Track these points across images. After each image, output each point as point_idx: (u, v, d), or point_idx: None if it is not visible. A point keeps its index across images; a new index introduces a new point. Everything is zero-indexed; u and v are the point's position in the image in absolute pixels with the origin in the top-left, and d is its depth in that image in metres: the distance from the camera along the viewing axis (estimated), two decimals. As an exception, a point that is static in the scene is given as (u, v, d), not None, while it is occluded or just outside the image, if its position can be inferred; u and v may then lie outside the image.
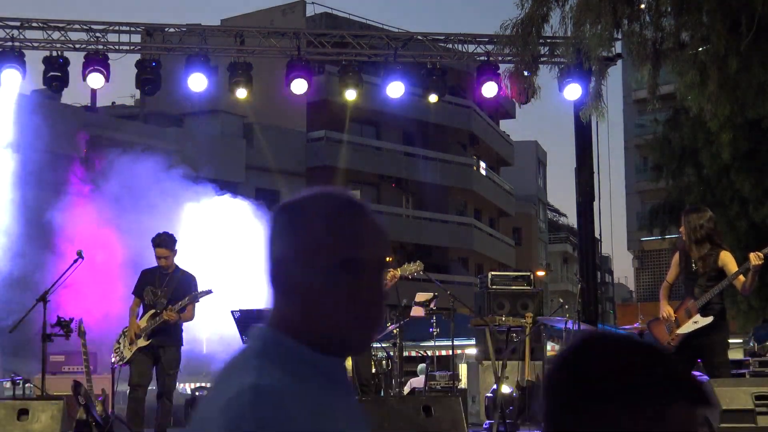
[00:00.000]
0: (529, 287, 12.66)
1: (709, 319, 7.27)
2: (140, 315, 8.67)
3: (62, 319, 8.93)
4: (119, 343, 8.67)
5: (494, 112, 41.28)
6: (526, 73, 12.32)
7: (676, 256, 7.63)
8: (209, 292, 8.62)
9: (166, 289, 8.54)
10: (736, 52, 10.21)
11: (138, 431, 8.45)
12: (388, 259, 1.69)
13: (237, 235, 13.40)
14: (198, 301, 8.58)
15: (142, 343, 8.48)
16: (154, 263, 8.78)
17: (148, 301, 8.61)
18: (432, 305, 10.96)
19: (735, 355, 14.93)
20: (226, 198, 13.95)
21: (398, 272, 7.66)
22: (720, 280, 7.30)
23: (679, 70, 10.80)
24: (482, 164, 40.57)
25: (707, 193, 17.07)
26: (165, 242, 8.58)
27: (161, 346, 8.45)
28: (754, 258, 7.01)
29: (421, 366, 13.02)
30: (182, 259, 8.92)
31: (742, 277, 7.23)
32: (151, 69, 12.96)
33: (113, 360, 8.72)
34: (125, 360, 8.52)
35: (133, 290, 8.83)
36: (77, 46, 13.00)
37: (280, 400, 1.48)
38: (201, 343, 12.93)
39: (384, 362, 11.45)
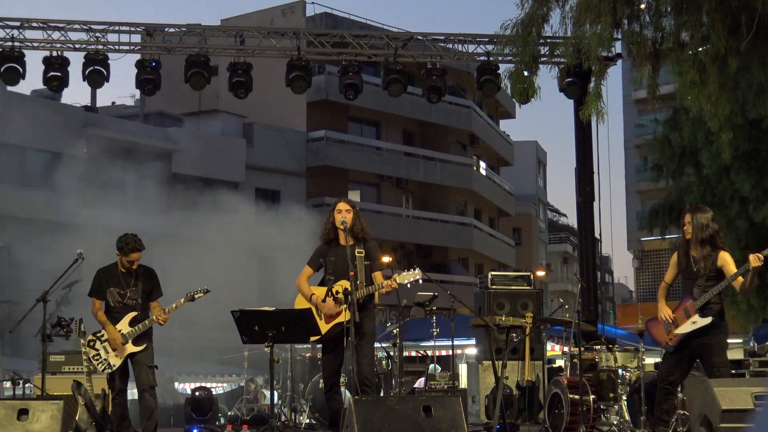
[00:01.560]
0: (529, 287, 12.65)
1: (708, 320, 7.27)
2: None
3: (62, 319, 8.89)
4: (96, 350, 8.30)
5: (494, 112, 41.29)
6: (526, 73, 12.32)
7: (674, 257, 7.63)
8: (207, 291, 8.48)
9: (135, 289, 8.29)
10: (736, 52, 10.21)
11: None
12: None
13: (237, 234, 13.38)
14: (194, 300, 8.45)
15: (132, 349, 8.25)
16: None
17: (114, 302, 8.27)
18: (432, 305, 10.95)
19: (735, 355, 14.91)
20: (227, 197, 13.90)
21: (395, 282, 7.57)
22: (719, 280, 7.30)
23: (679, 70, 10.80)
24: (482, 164, 40.56)
25: (707, 193, 17.06)
26: (139, 245, 8.28)
27: (140, 346, 8.30)
28: (754, 260, 7.01)
29: (433, 366, 13.03)
30: (181, 258, 8.88)
31: (741, 278, 7.23)
32: (151, 69, 12.97)
33: (100, 369, 8.40)
34: (115, 368, 8.26)
35: (92, 292, 8.36)
36: (77, 46, 13.01)
37: None
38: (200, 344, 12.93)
39: (384, 362, 11.45)
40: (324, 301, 7.63)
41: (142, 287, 8.36)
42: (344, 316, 7.48)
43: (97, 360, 8.36)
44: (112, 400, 8.53)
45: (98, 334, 8.38)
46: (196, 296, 8.39)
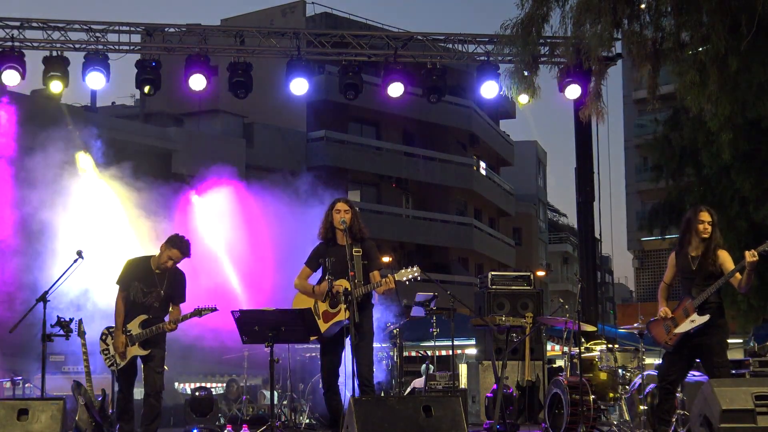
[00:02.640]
0: (529, 287, 12.65)
1: (706, 317, 7.29)
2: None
3: (62, 319, 8.90)
4: (107, 345, 8.37)
5: (494, 112, 41.27)
6: (526, 73, 12.32)
7: (672, 257, 7.64)
8: (215, 309, 8.46)
9: (158, 290, 8.33)
10: (736, 52, 10.22)
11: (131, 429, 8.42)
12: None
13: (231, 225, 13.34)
14: (201, 315, 8.44)
15: (138, 351, 8.27)
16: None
17: (135, 298, 8.30)
18: (432, 305, 10.96)
19: (735, 355, 14.92)
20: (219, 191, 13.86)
21: (394, 279, 7.55)
22: (717, 278, 7.31)
23: (679, 70, 10.80)
24: (482, 164, 40.56)
25: (707, 193, 17.05)
26: (184, 249, 8.36)
27: (150, 347, 8.34)
28: (749, 255, 7.04)
29: (424, 366, 13.02)
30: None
31: (738, 275, 7.25)
32: (151, 69, 12.97)
33: (107, 364, 8.41)
34: (120, 366, 8.30)
35: (119, 280, 8.40)
36: (77, 46, 13.01)
37: None
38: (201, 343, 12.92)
39: (384, 362, 11.45)
40: (324, 301, 7.63)
41: (166, 291, 8.38)
42: (342, 315, 7.49)
43: (106, 354, 8.40)
44: (114, 395, 8.56)
45: (112, 330, 8.42)
46: (203, 312, 8.39)
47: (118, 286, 8.46)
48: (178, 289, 8.45)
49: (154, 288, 8.34)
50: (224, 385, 16.29)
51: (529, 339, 10.64)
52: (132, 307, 8.35)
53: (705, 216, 7.45)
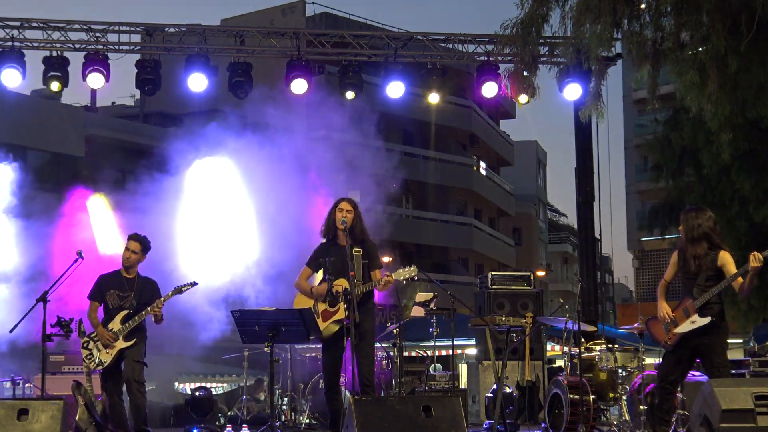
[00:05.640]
0: (529, 287, 12.66)
1: (707, 320, 7.27)
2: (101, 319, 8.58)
3: (62, 319, 8.92)
4: (89, 350, 8.52)
5: (494, 112, 41.26)
6: (525, 73, 12.31)
7: (674, 256, 7.64)
8: (195, 283, 8.58)
9: (133, 293, 8.54)
10: (736, 52, 10.21)
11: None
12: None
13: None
14: (182, 292, 8.54)
15: (123, 344, 8.41)
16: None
17: (113, 304, 8.54)
18: (432, 305, 10.96)
19: (735, 355, 14.94)
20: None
21: (392, 278, 7.58)
22: (719, 280, 7.30)
23: (679, 70, 10.79)
24: (482, 164, 40.56)
25: (707, 193, 17.07)
26: (146, 241, 8.67)
27: (130, 341, 8.45)
28: (753, 260, 7.01)
29: (434, 366, 13.00)
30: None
31: (740, 278, 7.23)
32: (151, 69, 12.97)
33: (92, 366, 8.50)
34: (106, 364, 8.44)
35: (91, 295, 8.68)
36: (77, 46, 13.01)
37: None
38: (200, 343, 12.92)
39: (384, 362, 11.45)
40: (324, 301, 7.63)
41: (141, 295, 8.53)
42: (341, 314, 7.50)
43: (90, 359, 8.52)
44: (106, 400, 8.59)
45: (92, 335, 8.58)
46: (183, 289, 8.52)
47: (89, 301, 8.68)
48: (151, 292, 8.62)
49: (129, 292, 8.56)
50: (224, 385, 16.29)
51: (529, 339, 10.64)
52: (111, 315, 8.56)
53: (681, 218, 7.56)
